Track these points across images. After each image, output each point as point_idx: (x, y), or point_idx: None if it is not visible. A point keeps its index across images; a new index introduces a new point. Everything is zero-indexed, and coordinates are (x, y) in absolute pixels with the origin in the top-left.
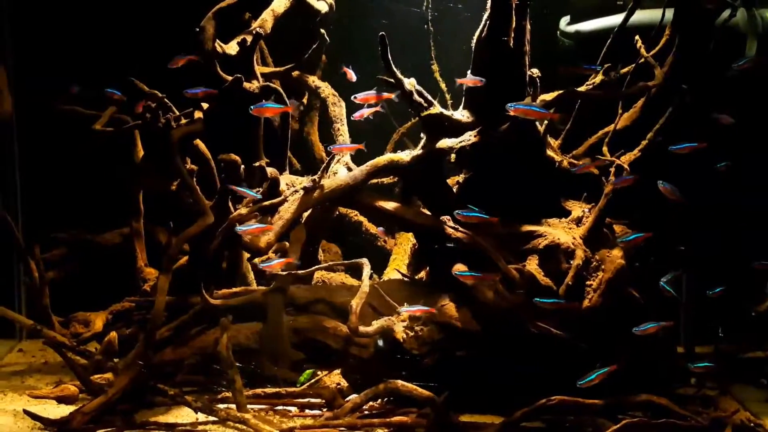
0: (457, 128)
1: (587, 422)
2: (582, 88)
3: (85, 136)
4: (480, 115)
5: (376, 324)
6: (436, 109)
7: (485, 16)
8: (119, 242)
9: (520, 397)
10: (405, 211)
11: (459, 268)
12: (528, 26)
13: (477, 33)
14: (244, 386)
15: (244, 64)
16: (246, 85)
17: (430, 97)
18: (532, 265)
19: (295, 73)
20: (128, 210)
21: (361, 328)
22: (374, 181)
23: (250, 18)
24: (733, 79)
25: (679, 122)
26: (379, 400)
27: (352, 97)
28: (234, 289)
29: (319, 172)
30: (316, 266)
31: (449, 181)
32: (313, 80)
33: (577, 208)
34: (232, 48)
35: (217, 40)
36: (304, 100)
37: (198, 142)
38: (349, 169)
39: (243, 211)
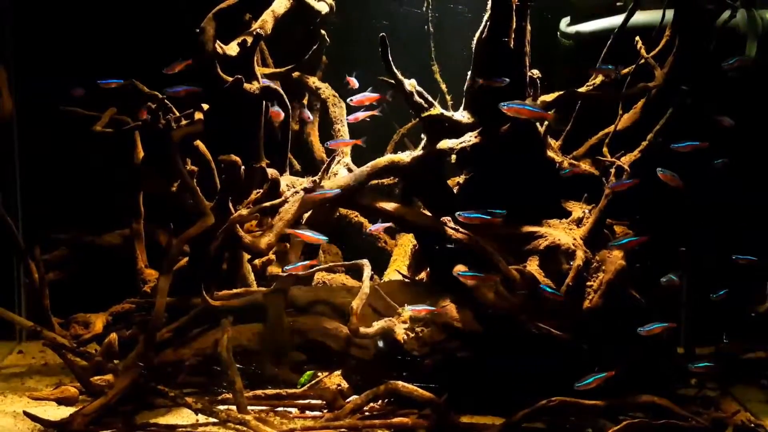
0: (458, 129)
1: (588, 423)
2: (582, 89)
3: (85, 137)
4: (480, 116)
5: (377, 325)
6: (437, 109)
7: (486, 17)
8: (119, 243)
9: (520, 398)
10: (405, 211)
11: (460, 268)
12: (528, 27)
13: (477, 34)
14: (245, 387)
15: (244, 65)
16: (246, 86)
17: (430, 98)
18: (533, 266)
19: (296, 74)
20: (128, 211)
21: (362, 329)
22: (375, 181)
23: (250, 19)
24: (734, 80)
25: (680, 123)
26: (380, 401)
27: (348, 100)
28: (234, 291)
29: (320, 173)
30: (317, 267)
31: (450, 182)
32: (314, 81)
33: (577, 209)
34: (232, 49)
35: (218, 41)
36: (305, 101)
37: (198, 143)
38: (350, 170)
39: (243, 212)
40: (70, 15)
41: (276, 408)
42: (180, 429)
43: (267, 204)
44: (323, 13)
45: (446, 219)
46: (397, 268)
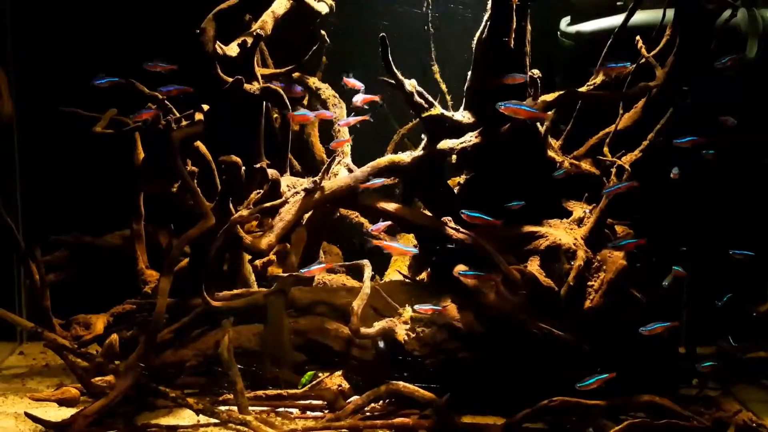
0: (458, 129)
1: (589, 423)
2: (583, 89)
3: (85, 138)
4: (481, 116)
5: (378, 325)
6: (437, 110)
7: (486, 17)
8: (120, 244)
9: (522, 398)
10: (406, 212)
11: (460, 269)
12: (528, 27)
13: (478, 34)
14: (246, 388)
15: (244, 65)
16: (246, 86)
17: (430, 98)
18: (534, 265)
19: (296, 74)
20: (129, 212)
21: (363, 330)
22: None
23: (250, 19)
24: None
25: (681, 122)
26: (381, 402)
27: (337, 124)
28: (235, 291)
29: (320, 174)
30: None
31: (450, 182)
32: (314, 82)
33: (578, 209)
34: (232, 49)
35: (218, 42)
36: (305, 102)
37: (199, 143)
38: (350, 170)
39: (244, 212)
40: (70, 16)
41: (277, 408)
42: (181, 430)
43: (267, 205)
44: (323, 13)
45: (447, 219)
46: (398, 269)
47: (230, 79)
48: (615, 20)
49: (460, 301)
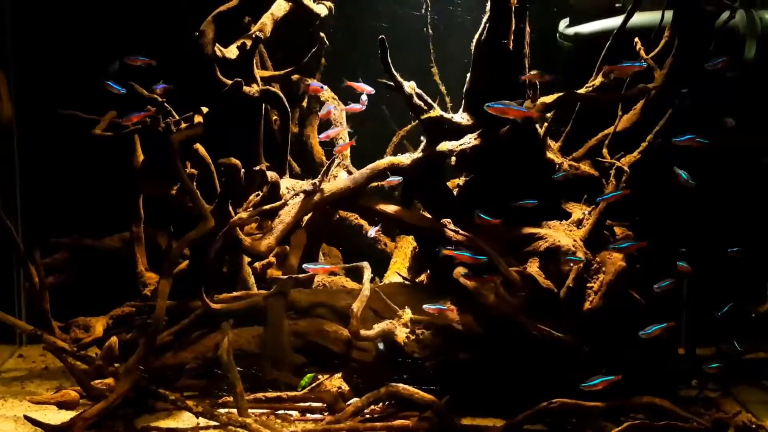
0: (457, 131)
1: (589, 425)
2: (582, 91)
3: (85, 140)
4: (480, 118)
5: (377, 327)
6: (436, 112)
7: (485, 19)
8: (119, 247)
9: (521, 400)
10: (405, 213)
11: (460, 270)
12: (527, 29)
13: (476, 35)
14: (245, 390)
15: (243, 68)
16: (246, 89)
17: (430, 100)
18: (533, 267)
19: (295, 76)
20: (128, 214)
21: (362, 332)
22: (374, 184)
23: (249, 22)
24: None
25: (679, 124)
26: (381, 404)
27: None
28: (235, 294)
29: (320, 176)
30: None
31: (450, 184)
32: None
33: (577, 211)
34: (231, 52)
35: (217, 44)
36: (304, 104)
37: (198, 146)
38: (349, 173)
39: (243, 215)
40: (70, 17)
41: (277, 411)
42: None
43: (267, 207)
44: (322, 15)
45: (446, 221)
46: (398, 271)
47: (229, 82)
48: (614, 22)
49: (459, 302)
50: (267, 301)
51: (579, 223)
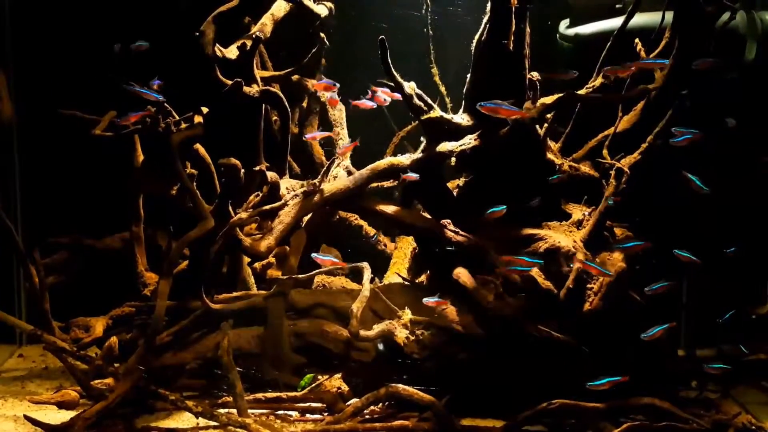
0: (457, 132)
1: (589, 425)
2: (582, 91)
3: (85, 140)
4: (480, 119)
5: (377, 328)
6: (436, 112)
7: (485, 20)
8: (119, 247)
9: (521, 401)
10: (405, 214)
11: (460, 271)
12: (528, 29)
13: (477, 36)
14: (245, 391)
15: (243, 68)
16: (246, 89)
17: (430, 101)
18: (533, 268)
19: (295, 77)
20: (128, 214)
21: (362, 332)
22: (374, 184)
23: (249, 22)
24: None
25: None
26: (381, 405)
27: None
28: (234, 294)
29: (320, 176)
30: (317, 270)
31: (450, 185)
32: (313, 84)
33: (577, 211)
34: (231, 52)
35: (217, 44)
36: (304, 104)
37: (198, 146)
38: (349, 173)
39: (243, 215)
40: (70, 17)
41: (276, 411)
42: None
43: (267, 207)
44: (322, 15)
45: (446, 221)
46: (397, 271)
47: (229, 82)
48: (614, 23)
49: (459, 303)
50: (267, 301)
51: (579, 224)
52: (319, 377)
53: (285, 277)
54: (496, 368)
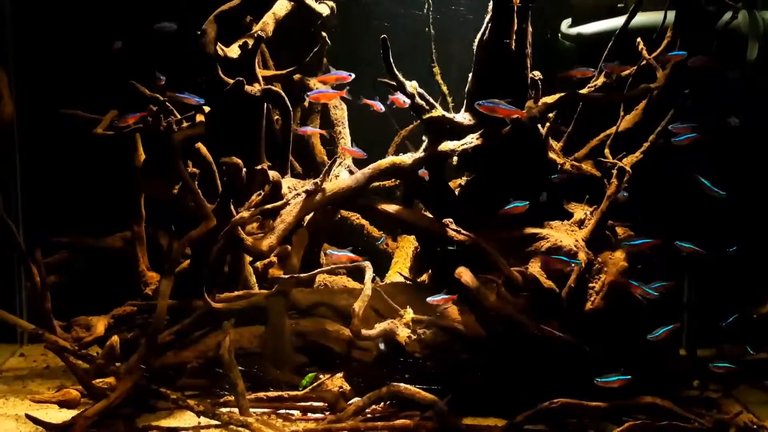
0: (459, 131)
1: (591, 425)
2: (584, 91)
3: (86, 139)
4: (482, 118)
5: (379, 327)
6: (438, 111)
7: (487, 19)
8: (121, 246)
9: (523, 400)
10: (407, 213)
11: (461, 270)
12: (530, 29)
13: (479, 35)
14: (247, 390)
15: (245, 67)
16: (247, 88)
17: (431, 100)
18: (535, 267)
19: (297, 76)
20: (130, 214)
21: (364, 332)
22: (376, 184)
23: (251, 21)
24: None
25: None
26: (382, 404)
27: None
28: (236, 293)
29: (321, 176)
30: (319, 269)
31: (451, 184)
32: (315, 83)
33: (579, 211)
34: (233, 51)
35: (219, 43)
36: (306, 104)
37: (200, 145)
38: (351, 172)
39: (245, 214)
40: (70, 17)
41: (278, 410)
42: (182, 431)
43: (268, 206)
44: (324, 14)
45: (448, 220)
46: (399, 270)
47: (231, 81)
48: (616, 22)
49: (461, 302)
50: (268, 300)
51: (581, 223)
52: (321, 376)
53: (286, 276)
54: (497, 367)
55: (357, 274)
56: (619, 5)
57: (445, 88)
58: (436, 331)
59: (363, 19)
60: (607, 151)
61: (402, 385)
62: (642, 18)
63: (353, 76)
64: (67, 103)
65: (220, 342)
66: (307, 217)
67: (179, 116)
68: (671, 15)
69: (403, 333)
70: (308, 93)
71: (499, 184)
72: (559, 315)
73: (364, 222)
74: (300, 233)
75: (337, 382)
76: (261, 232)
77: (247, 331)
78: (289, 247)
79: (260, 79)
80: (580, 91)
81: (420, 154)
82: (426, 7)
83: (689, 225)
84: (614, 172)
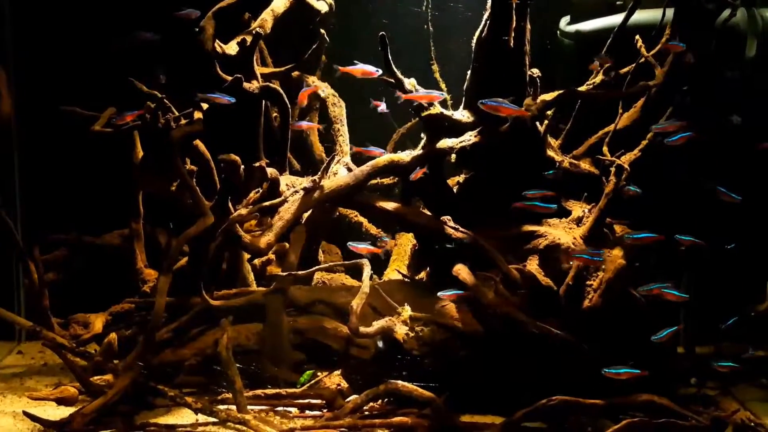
0: (458, 128)
1: (588, 422)
2: (582, 88)
3: (84, 137)
4: (480, 115)
5: (377, 325)
6: (437, 109)
7: (485, 16)
8: (119, 243)
9: (521, 397)
10: (405, 211)
11: (459, 268)
12: (528, 26)
13: (477, 33)
14: (245, 387)
15: (243, 64)
16: (246, 85)
17: None
18: (533, 265)
19: (295, 73)
20: (128, 211)
21: (362, 329)
22: (374, 181)
23: (249, 18)
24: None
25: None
26: (380, 401)
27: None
28: (234, 290)
29: (320, 173)
30: (317, 267)
31: (450, 181)
32: (313, 81)
33: (577, 208)
34: (231, 48)
35: (217, 40)
36: (305, 103)
37: (198, 142)
38: (349, 170)
39: (243, 211)
40: (69, 15)
41: (276, 407)
42: (180, 429)
43: (267, 204)
44: (323, 12)
45: (446, 218)
46: (397, 268)
47: (229, 78)
48: (615, 19)
49: (459, 300)
50: (266, 297)
51: (579, 221)
52: (319, 374)
53: (284, 273)
54: (495, 365)
55: (356, 271)
56: (618, 2)
57: (443, 86)
58: (434, 329)
59: (361, 16)
60: (605, 148)
61: (400, 382)
62: (641, 15)
63: (380, 72)
64: (65, 101)
65: (218, 339)
66: (306, 215)
67: (177, 113)
68: (670, 12)
69: (401, 330)
70: (339, 66)
71: (498, 182)
72: (557, 313)
73: (362, 219)
74: (298, 230)
75: (335, 379)
76: (259, 229)
77: (245, 328)
78: (287, 245)
79: (258, 76)
80: (579, 89)
81: (418, 151)
82: (425, 4)
83: (687, 223)
84: (612, 169)
